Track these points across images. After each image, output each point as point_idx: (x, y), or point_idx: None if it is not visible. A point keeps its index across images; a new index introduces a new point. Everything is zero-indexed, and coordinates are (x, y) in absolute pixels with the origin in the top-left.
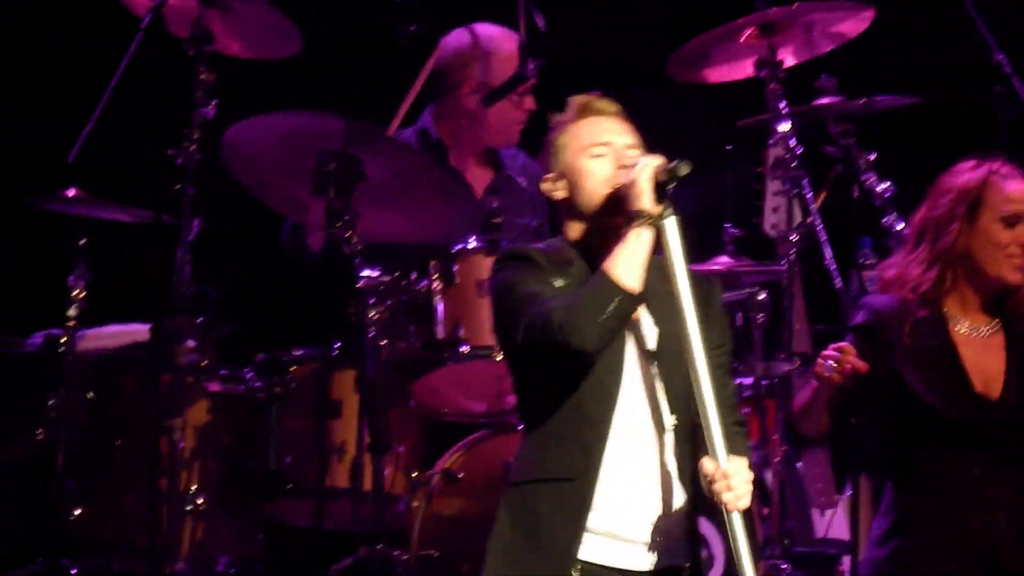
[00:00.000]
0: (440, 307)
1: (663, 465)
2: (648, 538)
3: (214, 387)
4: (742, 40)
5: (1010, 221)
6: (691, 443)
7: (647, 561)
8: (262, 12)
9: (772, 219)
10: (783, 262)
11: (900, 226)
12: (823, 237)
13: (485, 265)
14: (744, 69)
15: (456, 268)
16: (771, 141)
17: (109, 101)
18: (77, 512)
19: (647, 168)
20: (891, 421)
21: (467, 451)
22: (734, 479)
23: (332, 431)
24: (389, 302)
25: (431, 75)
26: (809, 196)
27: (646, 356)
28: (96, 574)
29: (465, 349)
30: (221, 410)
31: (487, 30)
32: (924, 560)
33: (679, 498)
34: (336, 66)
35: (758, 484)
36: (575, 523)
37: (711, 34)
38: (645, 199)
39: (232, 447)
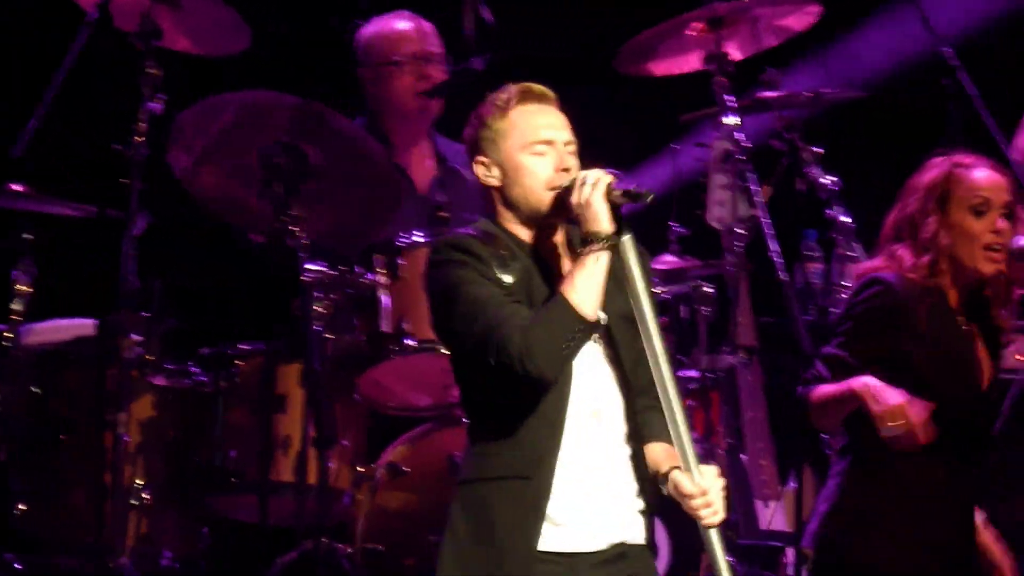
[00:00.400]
0: (385, 301)
1: (611, 451)
2: (601, 520)
3: (159, 381)
4: (689, 34)
5: (979, 209)
6: (632, 423)
7: (601, 541)
8: (211, 8)
9: (717, 212)
10: (728, 256)
11: (845, 219)
12: (768, 230)
13: None
14: (691, 63)
15: (401, 262)
16: (717, 135)
17: (56, 95)
18: (21, 507)
19: (599, 187)
20: None
21: (412, 444)
22: (711, 494)
23: (277, 425)
24: (334, 296)
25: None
26: (755, 189)
27: (593, 341)
28: (40, 570)
29: (410, 343)
30: (166, 404)
31: (381, 18)
32: (880, 554)
33: (628, 480)
34: (284, 63)
35: None
36: (533, 521)
37: (658, 28)
38: (602, 221)
39: (177, 441)
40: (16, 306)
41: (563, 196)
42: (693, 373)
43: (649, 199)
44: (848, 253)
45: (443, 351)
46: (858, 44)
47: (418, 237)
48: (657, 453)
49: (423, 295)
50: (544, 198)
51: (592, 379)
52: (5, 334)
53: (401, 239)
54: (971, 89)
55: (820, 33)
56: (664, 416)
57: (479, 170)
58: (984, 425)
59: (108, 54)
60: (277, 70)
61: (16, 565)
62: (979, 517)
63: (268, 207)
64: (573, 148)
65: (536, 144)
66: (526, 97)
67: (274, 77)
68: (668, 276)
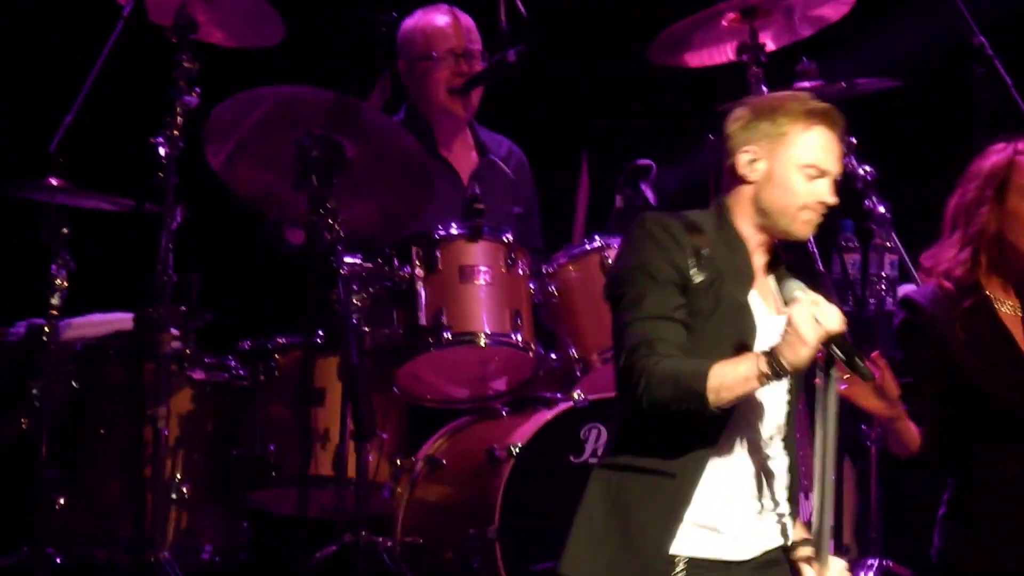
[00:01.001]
0: (423, 293)
1: (763, 467)
2: (756, 530)
3: (198, 375)
4: (724, 24)
5: None
6: (789, 451)
7: (755, 549)
8: (245, 1)
9: None
10: None
11: (881, 209)
12: None
13: (467, 251)
14: (725, 53)
15: (438, 254)
16: None
17: (91, 89)
18: (61, 501)
19: (820, 330)
20: (951, 416)
21: (450, 437)
22: None
23: (315, 418)
24: (372, 289)
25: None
26: None
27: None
28: (80, 563)
29: (448, 335)
30: (205, 398)
31: (422, 12)
32: (987, 558)
33: (781, 489)
34: (318, 56)
35: None
36: (670, 520)
37: (693, 18)
38: (797, 356)
39: (216, 435)
40: (54, 300)
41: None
42: None
43: (865, 378)
44: (885, 243)
45: (481, 343)
46: (892, 33)
47: (455, 230)
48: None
49: (460, 287)
50: (792, 220)
51: (766, 396)
52: (44, 328)
53: (439, 231)
54: (1006, 77)
55: (855, 23)
56: None
57: (742, 157)
58: None
59: (143, 48)
60: (312, 63)
61: (56, 559)
62: None
63: (304, 200)
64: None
65: (812, 168)
66: (825, 118)
67: (309, 70)
68: None
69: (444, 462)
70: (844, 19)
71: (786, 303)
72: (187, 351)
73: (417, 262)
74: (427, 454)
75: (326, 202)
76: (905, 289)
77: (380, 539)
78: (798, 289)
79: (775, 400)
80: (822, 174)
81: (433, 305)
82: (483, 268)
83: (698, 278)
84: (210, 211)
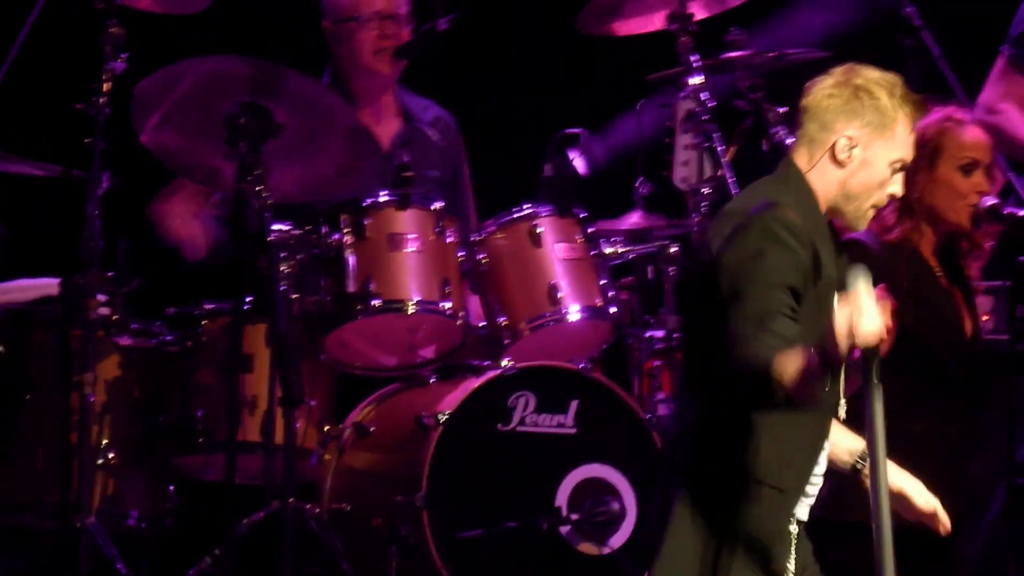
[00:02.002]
0: (351, 261)
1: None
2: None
3: (125, 341)
4: None
5: (968, 169)
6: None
7: (804, 513)
8: None
9: (682, 172)
10: (693, 216)
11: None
12: (734, 190)
13: (396, 218)
14: (655, 22)
15: (367, 222)
16: (682, 95)
17: (17, 54)
18: None
19: (859, 338)
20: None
21: (378, 404)
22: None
23: (243, 385)
24: (300, 256)
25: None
26: (720, 149)
27: None
28: (7, 529)
29: (376, 303)
30: (132, 364)
31: None
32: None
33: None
34: (247, 21)
35: None
36: (780, 532)
37: None
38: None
39: (143, 401)
40: None
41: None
42: (659, 333)
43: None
44: None
45: (409, 311)
46: (822, 3)
47: (384, 196)
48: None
49: (389, 255)
50: (863, 212)
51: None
52: None
53: (367, 198)
54: (934, 48)
55: None
56: None
57: (840, 141)
58: (974, 374)
59: (70, 13)
60: (239, 26)
61: None
62: None
63: (233, 167)
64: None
65: (901, 164)
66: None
67: (238, 33)
68: (633, 236)
69: (372, 429)
70: None
71: (846, 289)
72: (114, 317)
73: (346, 229)
74: (355, 421)
75: (255, 169)
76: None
77: (308, 506)
78: (858, 280)
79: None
80: (904, 169)
81: (362, 272)
82: (412, 236)
83: (815, 285)
84: (138, 177)
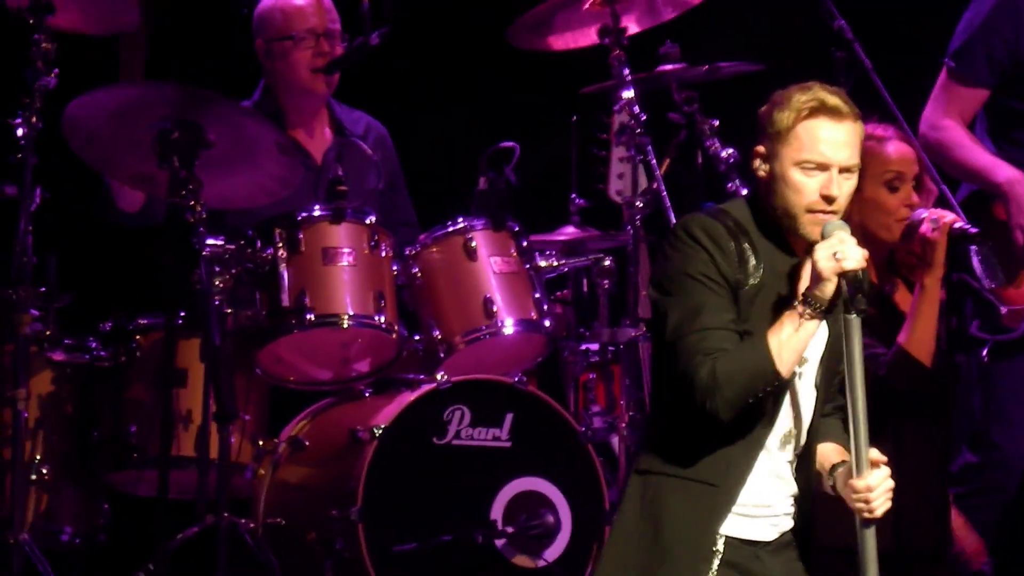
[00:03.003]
0: (285, 275)
1: (785, 470)
2: (773, 515)
3: (58, 356)
4: (585, 7)
5: (893, 185)
6: (807, 446)
7: (772, 533)
8: None
9: (617, 186)
10: (628, 228)
11: (743, 191)
12: (668, 203)
13: (330, 232)
14: (588, 37)
15: (301, 236)
16: (615, 108)
17: None
18: None
19: (836, 265)
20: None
21: (313, 419)
22: (877, 491)
23: (177, 400)
24: (234, 270)
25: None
26: (654, 163)
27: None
28: None
29: (310, 317)
30: (65, 380)
31: None
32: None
33: (792, 492)
34: (177, 39)
35: (605, 450)
36: (709, 532)
37: (554, 1)
38: (825, 290)
39: (76, 417)
40: None
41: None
42: (594, 346)
43: (860, 306)
44: None
45: (344, 325)
46: (755, 16)
47: (317, 211)
48: (828, 450)
49: (323, 269)
50: (799, 218)
51: (792, 399)
52: None
53: (301, 212)
54: (866, 61)
55: (717, 5)
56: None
57: (756, 157)
58: (929, 393)
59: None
60: (169, 45)
61: None
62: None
63: (167, 180)
64: (851, 173)
65: (808, 163)
66: (820, 110)
67: (166, 53)
68: (568, 249)
69: (307, 443)
70: (707, 2)
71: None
72: (47, 332)
73: (280, 243)
74: (290, 435)
75: (188, 183)
76: None
77: (242, 520)
78: (837, 228)
79: (805, 395)
80: (821, 167)
81: (296, 287)
82: (346, 250)
83: (746, 284)
84: (69, 192)
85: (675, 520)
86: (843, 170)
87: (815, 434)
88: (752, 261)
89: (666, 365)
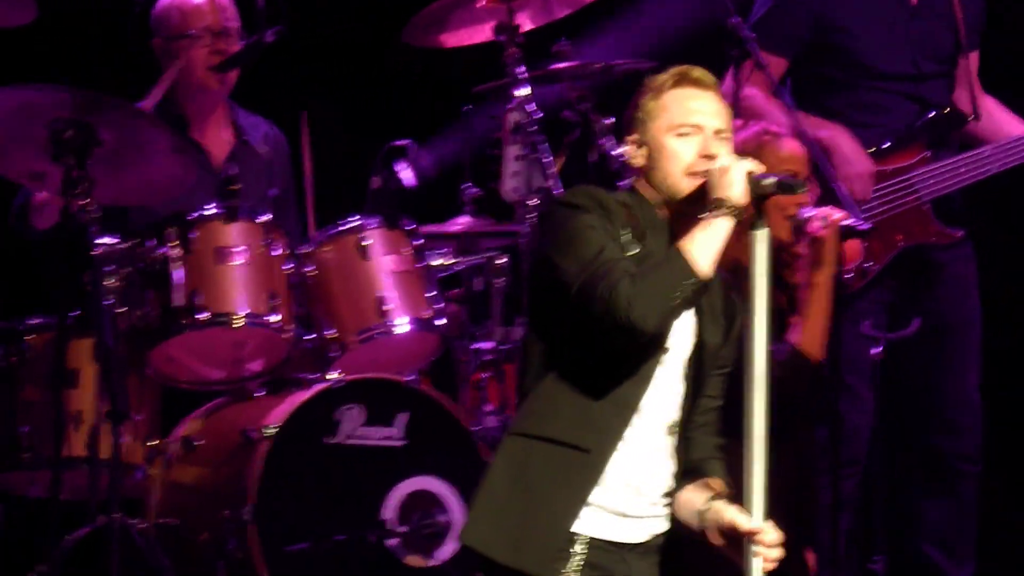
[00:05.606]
0: (177, 274)
1: (662, 453)
2: (645, 515)
3: None
4: (480, 5)
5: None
6: (680, 437)
7: (646, 534)
8: None
9: (511, 183)
10: (522, 226)
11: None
12: None
13: (223, 232)
14: (482, 34)
15: (194, 235)
16: (509, 106)
17: None
18: None
19: (741, 165)
20: None
21: (205, 418)
22: (768, 539)
23: (69, 400)
24: (126, 269)
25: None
26: (548, 160)
27: (680, 350)
28: None
29: (203, 316)
30: None
31: None
32: None
33: (668, 484)
34: (72, 35)
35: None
36: (578, 497)
37: None
38: (734, 189)
39: None
40: None
41: (703, 185)
42: (487, 345)
43: (800, 190)
44: None
45: (235, 325)
46: (649, 14)
47: (210, 210)
48: (700, 487)
49: (216, 268)
50: (682, 183)
51: (666, 386)
52: None
53: (194, 212)
54: (760, 59)
55: (612, 3)
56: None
57: (628, 150)
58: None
59: None
60: (67, 42)
61: None
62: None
63: (59, 179)
64: (726, 137)
65: (682, 127)
66: (682, 80)
67: (62, 49)
68: (462, 247)
69: (198, 443)
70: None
71: None
72: None
73: (172, 243)
74: (181, 435)
75: (80, 182)
76: None
77: (134, 521)
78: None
79: (672, 388)
80: (696, 129)
81: (188, 286)
82: (239, 249)
83: (631, 249)
84: None
85: (547, 487)
86: (716, 132)
87: (690, 443)
88: (639, 231)
89: (555, 315)
